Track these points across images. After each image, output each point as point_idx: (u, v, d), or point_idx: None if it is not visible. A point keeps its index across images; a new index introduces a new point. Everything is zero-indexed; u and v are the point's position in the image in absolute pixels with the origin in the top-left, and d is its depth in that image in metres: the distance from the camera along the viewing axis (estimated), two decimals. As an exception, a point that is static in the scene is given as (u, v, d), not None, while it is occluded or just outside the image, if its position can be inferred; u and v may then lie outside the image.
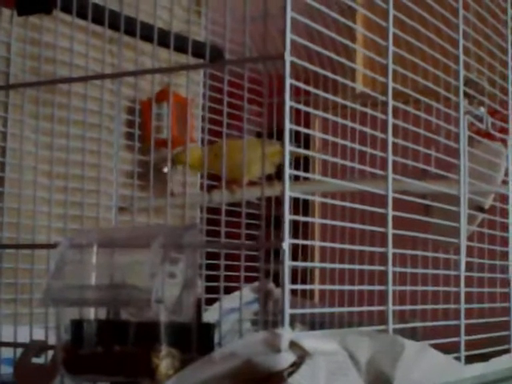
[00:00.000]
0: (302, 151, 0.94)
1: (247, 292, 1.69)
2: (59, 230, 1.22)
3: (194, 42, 1.17)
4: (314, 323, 1.49)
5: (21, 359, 1.06)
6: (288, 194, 0.86)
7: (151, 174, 1.15)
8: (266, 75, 0.95)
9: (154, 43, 1.12)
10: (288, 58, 0.86)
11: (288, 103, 0.84)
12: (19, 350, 1.09)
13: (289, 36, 0.85)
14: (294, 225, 0.89)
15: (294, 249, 0.89)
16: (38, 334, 1.11)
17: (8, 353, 1.17)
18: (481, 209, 1.45)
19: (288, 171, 0.86)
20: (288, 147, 0.85)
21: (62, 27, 1.25)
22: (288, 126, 0.84)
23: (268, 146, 0.99)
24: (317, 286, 1.88)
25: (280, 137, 1.29)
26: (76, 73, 1.20)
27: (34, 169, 1.25)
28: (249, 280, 1.52)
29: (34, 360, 1.06)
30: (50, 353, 1.04)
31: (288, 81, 0.85)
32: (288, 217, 0.86)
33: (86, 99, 1.20)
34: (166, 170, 1.47)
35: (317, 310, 1.51)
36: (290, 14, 0.86)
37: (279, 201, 1.37)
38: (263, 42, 0.94)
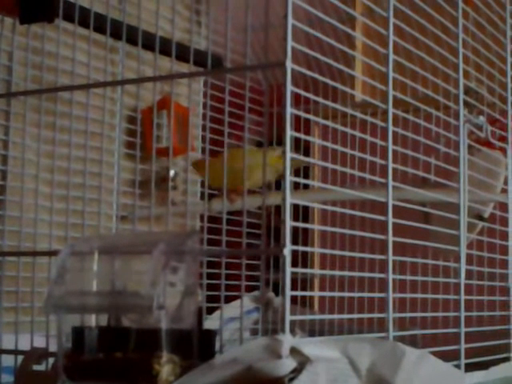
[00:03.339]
0: (303, 158, 0.94)
1: (246, 301, 1.69)
2: (60, 238, 1.22)
3: (195, 51, 1.18)
4: (313, 332, 1.49)
5: (22, 367, 1.06)
6: (289, 200, 0.86)
7: (152, 182, 1.16)
8: (266, 84, 0.95)
9: (156, 52, 1.12)
10: (289, 65, 0.86)
11: (289, 110, 0.84)
12: (20, 358, 1.09)
13: (290, 43, 0.86)
14: (294, 232, 0.89)
15: (294, 256, 0.89)
16: (39, 342, 1.11)
17: (9, 361, 1.17)
18: (480, 217, 1.45)
19: (289, 178, 0.86)
20: (289, 154, 0.85)
21: (64, 36, 1.26)
22: (289, 132, 0.84)
23: (269, 152, 0.99)
24: (317, 293, 1.88)
25: (280, 145, 1.29)
26: (77, 82, 1.20)
27: (35, 177, 1.26)
28: (247, 289, 1.52)
29: (35, 367, 1.06)
30: (51, 360, 1.04)
31: (289, 88, 0.85)
32: (289, 223, 0.86)
33: (88, 108, 1.20)
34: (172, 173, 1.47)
35: (317, 317, 1.51)
36: (291, 21, 0.86)
37: (278, 211, 1.37)
38: (263, 51, 0.95)
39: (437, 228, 1.19)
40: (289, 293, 0.86)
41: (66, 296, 0.92)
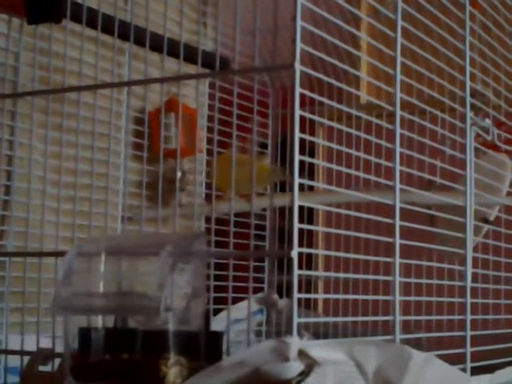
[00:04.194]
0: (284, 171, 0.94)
1: (251, 303, 1.70)
2: (67, 239, 1.22)
3: (202, 52, 1.18)
4: (317, 334, 1.49)
5: (27, 367, 1.06)
6: (297, 202, 0.86)
7: (160, 184, 1.16)
8: (273, 86, 0.95)
9: (164, 53, 1.12)
10: (298, 67, 0.86)
11: (298, 112, 0.84)
12: (26, 359, 1.09)
13: (298, 45, 0.86)
14: (299, 234, 0.89)
15: (299, 258, 0.89)
16: (45, 343, 1.11)
17: (14, 362, 1.17)
18: (486, 220, 1.45)
19: (297, 180, 0.86)
20: (297, 156, 0.85)
21: (72, 37, 1.26)
22: (297, 134, 0.84)
23: (256, 161, 0.99)
24: (322, 296, 1.88)
25: (284, 146, 1.30)
26: (84, 82, 1.20)
27: (41, 178, 1.26)
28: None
29: (41, 368, 1.06)
30: (57, 361, 1.04)
31: (298, 90, 0.85)
32: (297, 225, 0.86)
33: (95, 109, 1.21)
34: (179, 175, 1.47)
35: (323, 319, 1.51)
36: (300, 23, 0.86)
37: (281, 212, 1.36)
38: (270, 53, 0.95)
39: (442, 231, 1.19)
40: (296, 295, 0.86)
41: (73, 297, 0.92)
